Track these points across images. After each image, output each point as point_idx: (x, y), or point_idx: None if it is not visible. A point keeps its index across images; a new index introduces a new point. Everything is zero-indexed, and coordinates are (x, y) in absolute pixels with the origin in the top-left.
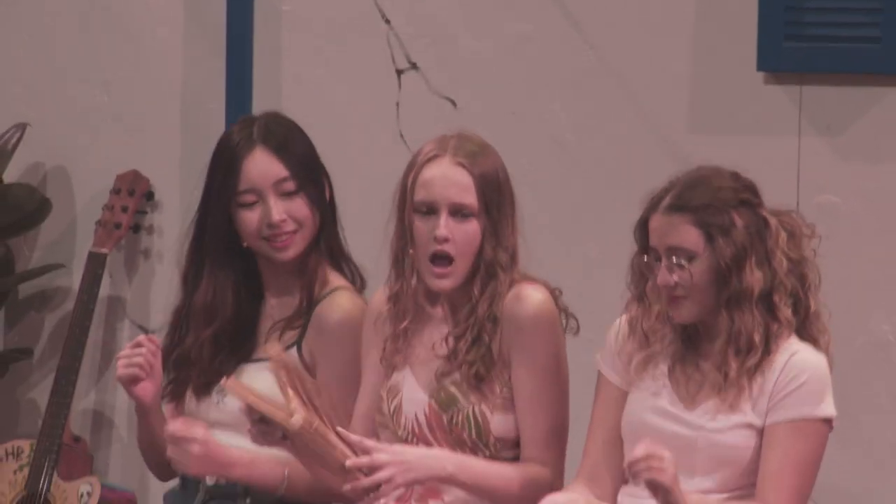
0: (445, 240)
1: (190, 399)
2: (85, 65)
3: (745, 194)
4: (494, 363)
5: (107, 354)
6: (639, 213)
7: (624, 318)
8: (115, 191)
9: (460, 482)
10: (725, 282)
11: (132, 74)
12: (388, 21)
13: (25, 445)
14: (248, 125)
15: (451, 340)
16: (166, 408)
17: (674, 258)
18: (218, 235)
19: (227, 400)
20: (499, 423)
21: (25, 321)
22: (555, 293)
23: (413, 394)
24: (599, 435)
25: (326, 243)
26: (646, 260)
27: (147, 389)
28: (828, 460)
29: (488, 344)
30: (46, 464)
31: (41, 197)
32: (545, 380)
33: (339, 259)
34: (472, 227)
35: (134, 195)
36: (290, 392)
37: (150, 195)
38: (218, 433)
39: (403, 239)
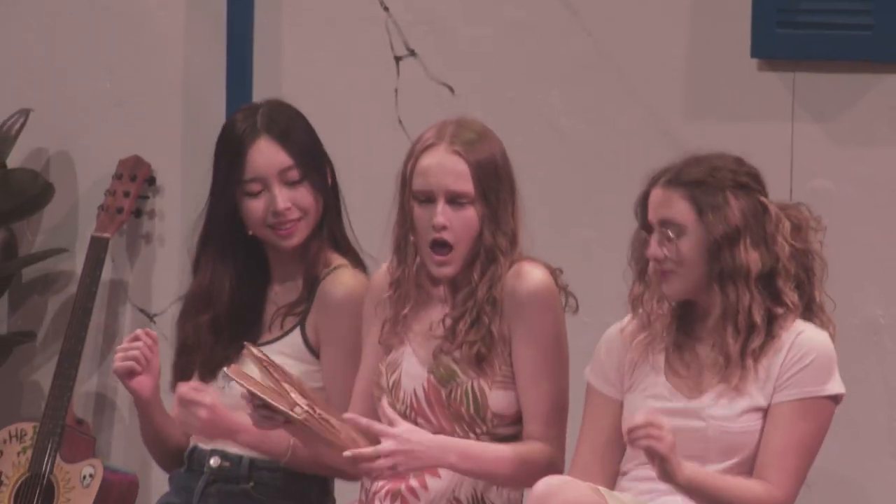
0: (443, 227)
1: None
2: (87, 52)
3: (744, 178)
4: (495, 343)
5: (109, 337)
6: (634, 198)
7: (615, 328)
8: (118, 176)
9: (461, 469)
10: (716, 258)
11: (134, 61)
12: (386, 8)
13: (29, 428)
14: (251, 114)
15: (447, 321)
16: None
17: (664, 231)
18: (221, 223)
19: (233, 384)
20: (497, 399)
21: (29, 305)
22: (555, 272)
23: (412, 369)
24: (588, 445)
25: (329, 229)
26: (643, 235)
27: (144, 383)
28: None
29: (488, 325)
30: (49, 446)
31: (44, 182)
32: (546, 355)
33: (342, 244)
34: (470, 214)
35: (136, 180)
36: (286, 385)
37: (151, 180)
38: None
39: (405, 226)
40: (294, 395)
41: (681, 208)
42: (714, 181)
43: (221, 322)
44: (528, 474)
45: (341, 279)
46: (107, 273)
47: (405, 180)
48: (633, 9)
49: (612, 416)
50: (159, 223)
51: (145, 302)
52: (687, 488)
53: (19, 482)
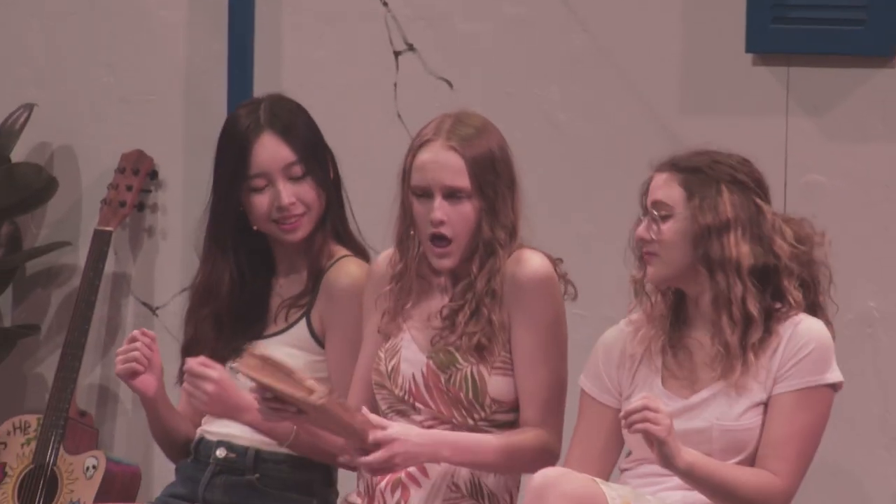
0: (441, 223)
1: None
2: (90, 47)
3: (742, 177)
4: (496, 333)
5: (112, 330)
6: (631, 192)
7: (611, 333)
8: (120, 170)
9: (455, 462)
10: (701, 246)
11: (136, 57)
12: (385, 4)
13: (32, 420)
14: (253, 109)
15: (445, 311)
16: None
17: (653, 212)
18: (225, 218)
19: (241, 376)
20: (496, 384)
21: (32, 298)
22: (554, 261)
23: (412, 354)
24: (580, 450)
25: (332, 222)
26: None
27: (147, 382)
28: None
29: (488, 315)
30: (53, 438)
31: (48, 176)
32: (544, 340)
33: (345, 237)
34: (467, 209)
35: (138, 174)
36: (298, 375)
37: (153, 174)
38: None
39: (406, 220)
40: (309, 382)
41: (672, 192)
42: (711, 172)
43: (223, 316)
44: (519, 462)
45: (346, 269)
46: (109, 266)
47: (405, 175)
48: (629, 4)
49: (607, 423)
50: (161, 217)
51: (147, 295)
52: (687, 474)
53: (23, 473)
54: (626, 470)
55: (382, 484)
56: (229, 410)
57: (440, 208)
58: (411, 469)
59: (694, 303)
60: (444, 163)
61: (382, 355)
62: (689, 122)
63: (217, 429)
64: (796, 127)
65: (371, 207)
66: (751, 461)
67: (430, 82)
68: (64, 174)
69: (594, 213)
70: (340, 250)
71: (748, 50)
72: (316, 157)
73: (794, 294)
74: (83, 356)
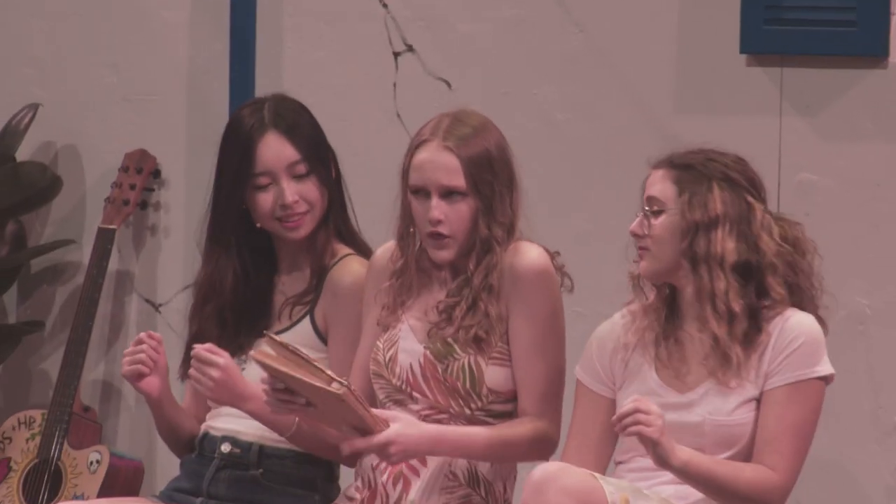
0: (438, 221)
1: None
2: (94, 47)
3: (735, 175)
4: (493, 325)
5: (115, 327)
6: (628, 190)
7: (605, 326)
8: (124, 169)
9: (453, 456)
10: (689, 241)
11: (139, 56)
12: (385, 5)
13: (37, 415)
14: (257, 108)
15: (442, 306)
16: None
17: (646, 208)
18: (228, 216)
19: (247, 370)
20: (493, 375)
21: (37, 295)
22: (551, 253)
23: (409, 344)
24: (577, 441)
25: (334, 221)
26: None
27: (152, 383)
28: None
29: (485, 309)
30: (57, 433)
31: (52, 175)
32: (542, 330)
33: (347, 235)
34: (464, 208)
35: (141, 173)
36: (317, 364)
37: (157, 173)
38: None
39: (406, 218)
40: (330, 372)
41: (665, 188)
42: (704, 169)
43: (226, 313)
44: (511, 453)
45: (350, 267)
46: (113, 264)
47: (404, 174)
48: (625, 7)
49: (603, 413)
50: (164, 215)
51: (151, 292)
52: (683, 472)
53: (28, 468)
54: (620, 463)
55: (384, 477)
56: (234, 398)
57: (437, 207)
58: (412, 461)
59: (683, 297)
60: (441, 163)
61: (381, 345)
62: (684, 121)
63: (222, 424)
64: (789, 126)
65: (371, 207)
66: (743, 455)
67: (429, 82)
68: (68, 173)
69: (592, 212)
70: (344, 249)
71: (742, 50)
72: (319, 156)
73: (778, 290)
74: (87, 352)
